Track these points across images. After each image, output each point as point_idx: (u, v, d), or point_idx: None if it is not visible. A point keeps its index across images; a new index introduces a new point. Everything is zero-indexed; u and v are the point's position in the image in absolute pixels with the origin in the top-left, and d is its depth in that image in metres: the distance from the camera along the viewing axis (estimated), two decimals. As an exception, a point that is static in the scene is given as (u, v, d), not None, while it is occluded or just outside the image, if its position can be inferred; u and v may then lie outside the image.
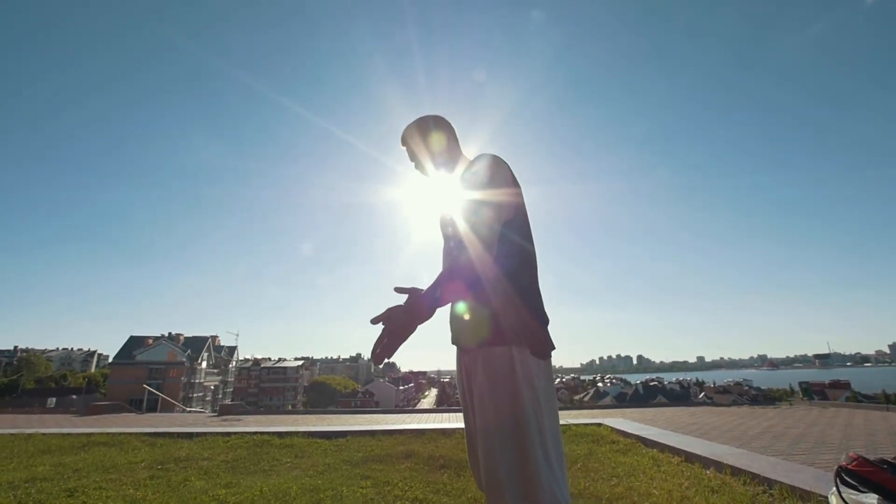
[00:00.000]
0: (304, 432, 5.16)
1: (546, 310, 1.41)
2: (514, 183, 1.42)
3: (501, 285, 1.29)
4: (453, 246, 1.43)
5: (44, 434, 5.37)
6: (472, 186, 1.35)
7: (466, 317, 1.34)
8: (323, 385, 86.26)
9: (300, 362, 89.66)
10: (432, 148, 1.57)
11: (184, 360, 55.01)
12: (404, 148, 1.62)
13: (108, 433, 5.30)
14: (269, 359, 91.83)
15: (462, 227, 1.31)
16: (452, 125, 1.63)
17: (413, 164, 1.62)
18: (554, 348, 1.37)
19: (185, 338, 62.05)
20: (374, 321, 1.19)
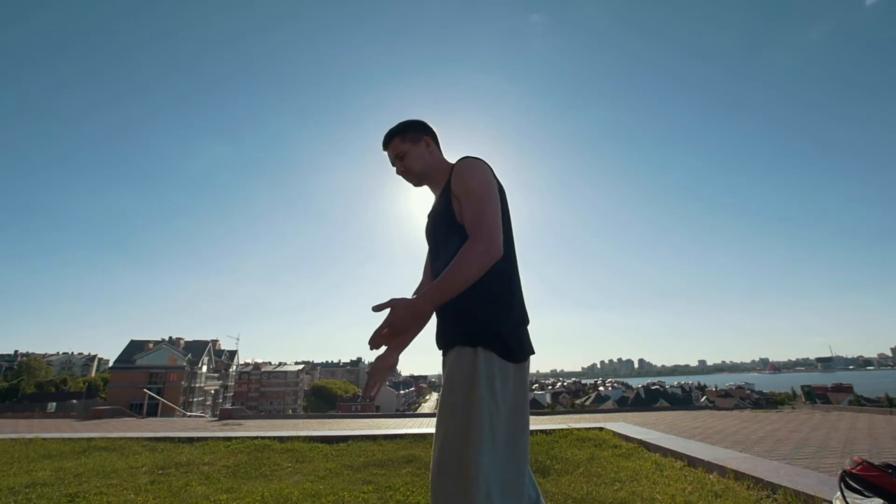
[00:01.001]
0: (305, 437, 5.14)
1: (527, 311, 1.39)
2: (499, 185, 1.43)
3: (489, 286, 1.27)
4: (452, 248, 1.40)
5: (44, 439, 5.35)
6: (472, 189, 1.34)
7: (448, 317, 1.32)
8: (323, 389, 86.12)
9: (300, 366, 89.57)
10: (421, 152, 1.54)
11: (184, 364, 54.93)
12: (386, 152, 1.59)
13: (108, 438, 5.29)
14: (270, 363, 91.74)
15: (467, 226, 1.30)
16: (434, 129, 1.61)
17: (395, 168, 1.58)
18: (532, 352, 1.34)
19: (186, 342, 62.01)
20: (377, 309, 1.18)
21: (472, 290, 1.23)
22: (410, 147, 1.53)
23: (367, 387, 1.41)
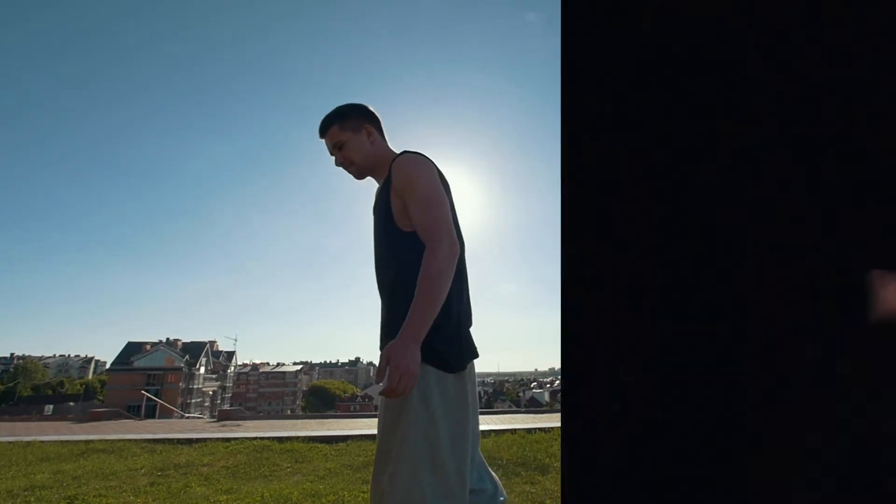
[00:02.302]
0: (304, 437, 5.14)
1: (471, 312, 1.31)
2: (443, 180, 1.34)
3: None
4: (393, 253, 1.29)
5: (42, 441, 5.34)
6: (418, 191, 1.24)
7: (386, 327, 1.25)
8: (322, 389, 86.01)
9: (299, 367, 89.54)
10: (361, 142, 1.39)
11: (182, 365, 54.82)
12: (323, 140, 1.43)
13: (107, 440, 5.27)
14: (268, 363, 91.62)
15: (421, 229, 1.21)
16: (379, 116, 1.47)
17: (334, 159, 1.42)
18: (474, 357, 1.27)
19: (184, 343, 61.91)
20: (381, 377, 1.08)
21: (406, 300, 1.13)
22: (350, 136, 1.38)
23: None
